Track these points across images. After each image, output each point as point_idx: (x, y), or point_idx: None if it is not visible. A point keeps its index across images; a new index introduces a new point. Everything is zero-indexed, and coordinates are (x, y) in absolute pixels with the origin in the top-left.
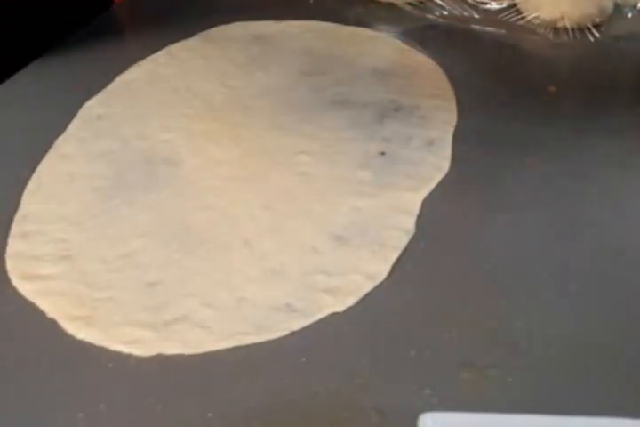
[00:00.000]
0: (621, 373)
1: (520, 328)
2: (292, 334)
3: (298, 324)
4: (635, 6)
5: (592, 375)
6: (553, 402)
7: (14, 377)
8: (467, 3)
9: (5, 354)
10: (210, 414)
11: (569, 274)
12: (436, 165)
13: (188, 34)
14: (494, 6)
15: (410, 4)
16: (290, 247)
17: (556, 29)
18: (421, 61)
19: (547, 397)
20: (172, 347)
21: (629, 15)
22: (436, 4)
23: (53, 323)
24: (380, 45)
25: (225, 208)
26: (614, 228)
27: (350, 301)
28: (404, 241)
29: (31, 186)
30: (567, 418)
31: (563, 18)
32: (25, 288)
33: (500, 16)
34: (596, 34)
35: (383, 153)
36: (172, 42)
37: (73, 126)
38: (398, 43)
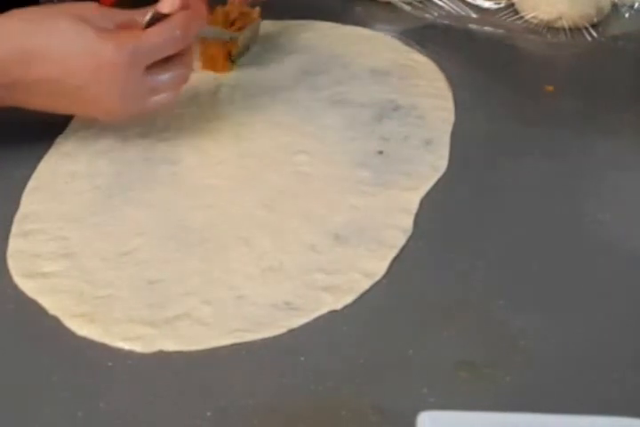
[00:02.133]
0: (619, 372)
1: (518, 328)
2: (291, 331)
3: (296, 321)
4: (632, 6)
5: (590, 374)
6: (550, 401)
7: (15, 375)
8: (465, 2)
9: (7, 352)
10: (209, 413)
11: (567, 273)
12: (434, 164)
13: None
14: (492, 6)
15: (409, 3)
16: (288, 246)
17: (553, 29)
18: (420, 61)
19: (544, 396)
20: (173, 343)
21: (627, 15)
22: (435, 4)
23: (55, 320)
24: (378, 45)
25: (224, 207)
26: (614, 227)
27: (348, 299)
28: (401, 240)
29: (32, 184)
30: (564, 417)
31: (560, 18)
32: (27, 286)
33: (497, 16)
34: (594, 34)
35: (381, 152)
36: None
37: (73, 125)
38: (397, 42)
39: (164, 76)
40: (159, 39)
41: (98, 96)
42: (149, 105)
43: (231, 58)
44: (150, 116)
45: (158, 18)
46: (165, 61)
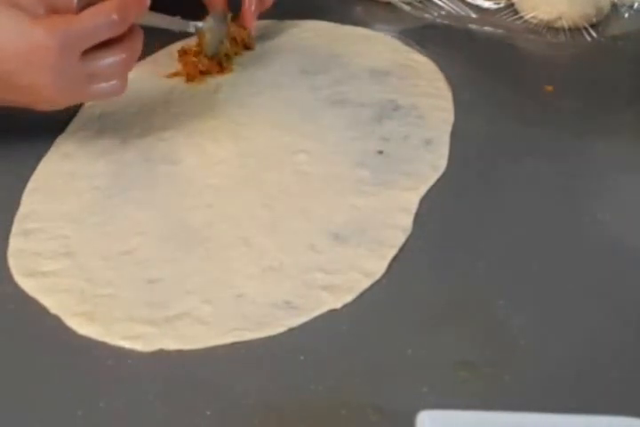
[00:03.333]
0: (619, 371)
1: (517, 327)
2: (291, 330)
3: (296, 320)
4: (632, 6)
5: (590, 374)
6: (549, 400)
7: (16, 374)
8: (465, 2)
9: (8, 351)
10: (208, 412)
11: (567, 273)
12: (434, 163)
13: (188, 34)
14: (492, 6)
15: (408, 3)
16: (288, 245)
17: (553, 29)
18: (419, 61)
19: (543, 395)
20: (173, 342)
21: (626, 15)
22: (435, 4)
23: (56, 319)
24: (378, 45)
25: (224, 207)
26: (613, 227)
27: (348, 298)
28: (401, 239)
29: (32, 184)
30: (563, 416)
31: (560, 18)
32: (27, 285)
33: (497, 16)
34: (594, 34)
35: (381, 152)
36: (172, 42)
37: (73, 125)
38: (397, 42)
39: (103, 62)
40: (93, 22)
41: (31, 82)
42: (89, 92)
43: (205, 54)
44: (149, 116)
45: (94, 0)
46: (105, 47)
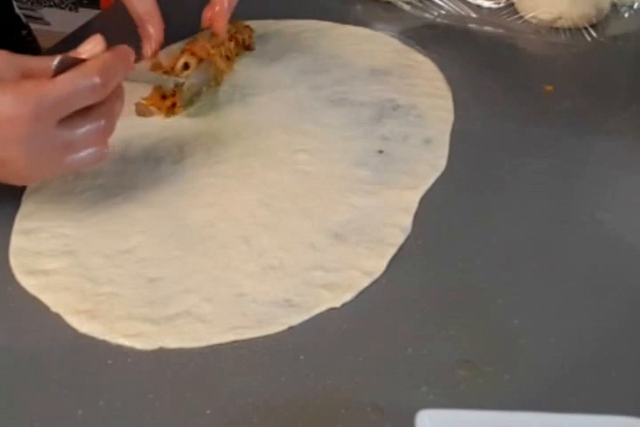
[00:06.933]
0: (619, 371)
1: (517, 326)
2: (291, 329)
3: (296, 319)
4: (631, 6)
5: (590, 374)
6: (550, 400)
7: (16, 373)
8: (465, 2)
9: (8, 349)
10: (208, 411)
11: (566, 273)
12: (434, 163)
13: (188, 33)
14: (492, 6)
15: (408, 3)
16: (288, 244)
17: (553, 29)
18: (419, 61)
19: (543, 395)
20: (173, 340)
21: (626, 15)
22: (435, 4)
23: (57, 317)
24: (378, 45)
25: (224, 206)
26: (614, 226)
27: (347, 296)
28: (400, 238)
29: (33, 183)
30: (564, 416)
31: (560, 18)
32: (28, 283)
33: (497, 16)
34: (593, 33)
35: (381, 151)
36: (172, 42)
37: None
38: (397, 42)
39: (80, 131)
40: (72, 88)
41: (1, 157)
42: (66, 165)
43: (179, 105)
44: (149, 116)
45: (74, 62)
46: (82, 112)
